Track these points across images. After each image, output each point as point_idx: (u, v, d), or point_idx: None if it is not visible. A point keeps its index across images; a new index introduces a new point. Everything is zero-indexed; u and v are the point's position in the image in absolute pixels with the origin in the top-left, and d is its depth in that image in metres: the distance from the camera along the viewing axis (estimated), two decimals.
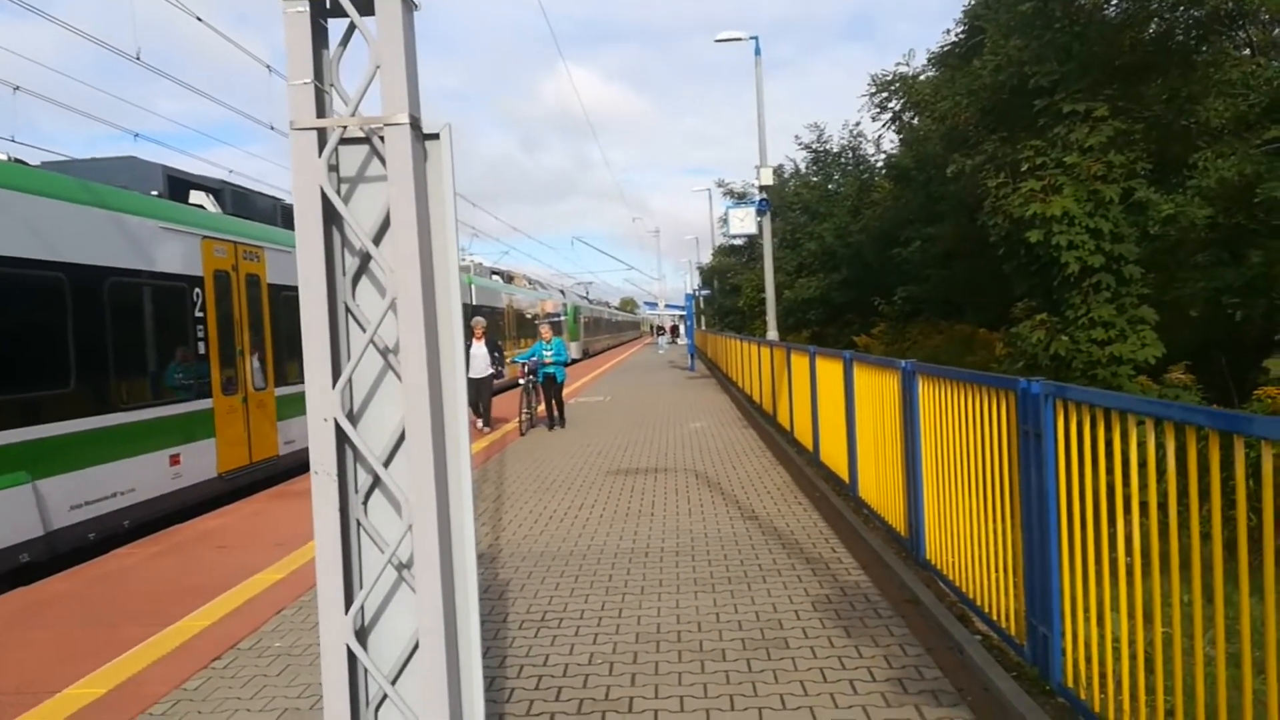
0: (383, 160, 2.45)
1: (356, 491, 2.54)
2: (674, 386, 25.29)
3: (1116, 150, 9.02)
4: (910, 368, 6.22)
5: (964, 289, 15.69)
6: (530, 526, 8.04)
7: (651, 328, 56.81)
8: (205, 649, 5.21)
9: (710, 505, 8.66)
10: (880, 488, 7.15)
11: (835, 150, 27.28)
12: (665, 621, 5.30)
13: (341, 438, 2.44)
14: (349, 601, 2.43)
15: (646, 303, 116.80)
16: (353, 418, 2.55)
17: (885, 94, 18.33)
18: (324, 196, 2.39)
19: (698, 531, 7.57)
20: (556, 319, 45.23)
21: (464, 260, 35.79)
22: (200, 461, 10.33)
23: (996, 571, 4.64)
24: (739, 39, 20.23)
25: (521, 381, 15.58)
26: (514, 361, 16.10)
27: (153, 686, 4.67)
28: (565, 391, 17.33)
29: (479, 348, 15.37)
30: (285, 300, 13.00)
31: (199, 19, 13.46)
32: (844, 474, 8.57)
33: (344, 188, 2.54)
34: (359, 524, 2.54)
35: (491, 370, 15.28)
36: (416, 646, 2.46)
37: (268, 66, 16.81)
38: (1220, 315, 8.77)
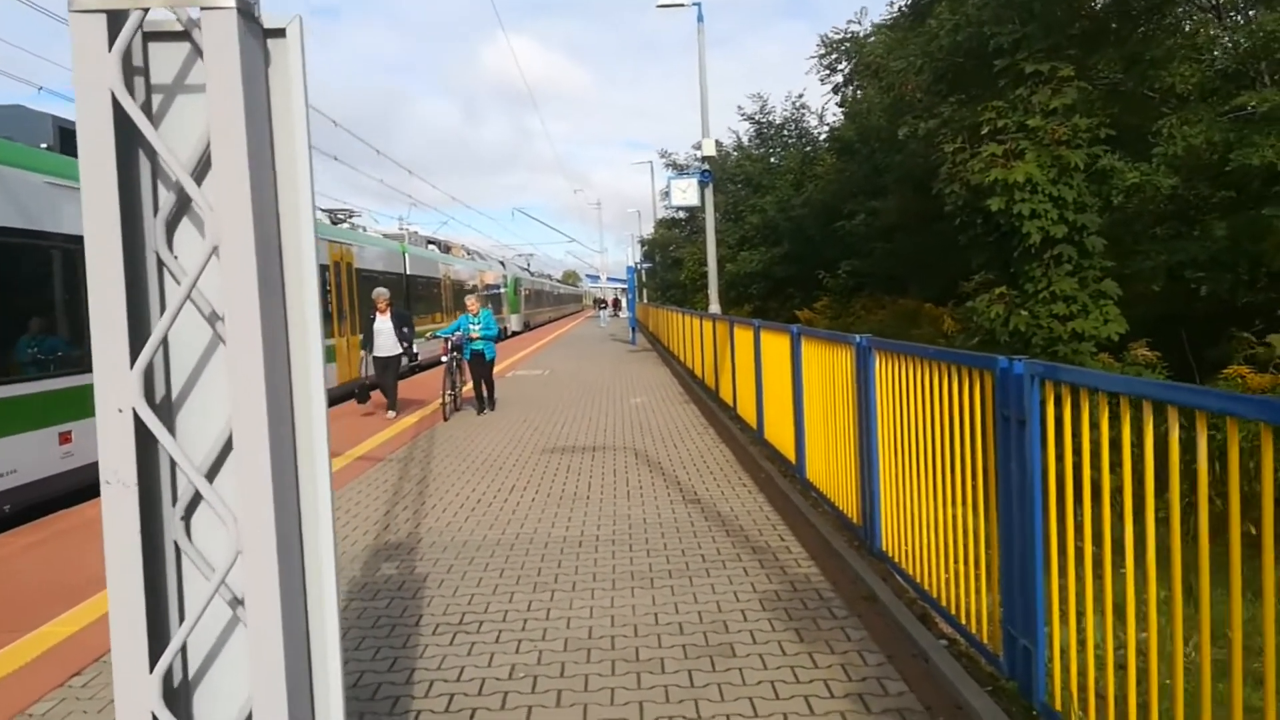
0: None
1: (175, 503, 1.92)
2: (615, 360, 24.72)
3: (1080, 114, 8.60)
4: (865, 343, 5.73)
5: (908, 263, 15.35)
6: (454, 512, 7.42)
7: (594, 301, 55.79)
8: (66, 661, 4.52)
9: (650, 487, 8.13)
10: (830, 470, 6.68)
11: (778, 122, 26.77)
12: (598, 624, 4.75)
13: (147, 434, 1.81)
14: (157, 654, 1.81)
15: (588, 275, 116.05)
16: (170, 406, 1.92)
17: (835, 54, 17.77)
18: (116, 105, 1.74)
19: (636, 517, 7.03)
20: (496, 290, 44.14)
21: (400, 229, 34.68)
22: (95, 439, 9.47)
23: (964, 568, 4.18)
24: (681, 4, 19.57)
25: (444, 359, 13.77)
26: (437, 336, 14.45)
27: None
28: (499, 366, 16.46)
29: (383, 322, 13.67)
30: None
31: None
32: (790, 454, 8.11)
33: (158, 99, 1.89)
34: (177, 547, 1.92)
35: (400, 350, 13.59)
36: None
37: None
38: (1177, 290, 8.48)
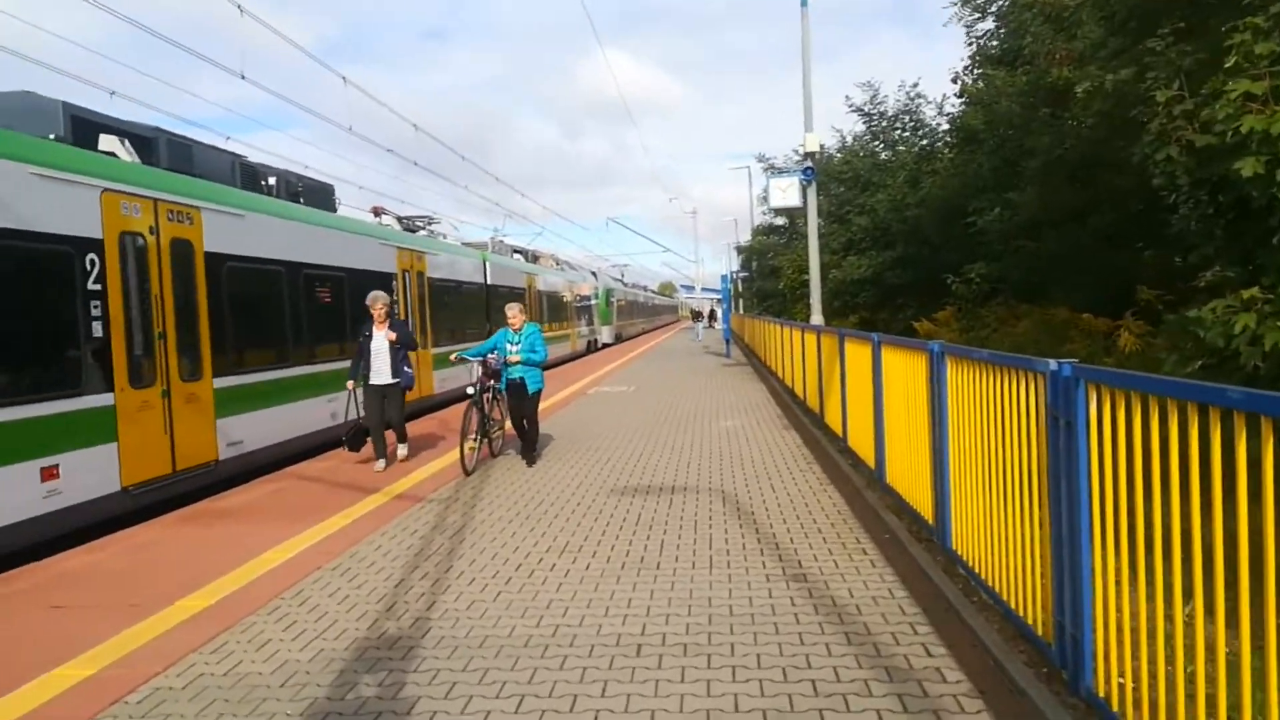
0: None
1: None
2: (707, 375, 22.88)
3: None
4: (1069, 372, 3.77)
5: (1054, 265, 13.05)
6: (481, 586, 5.70)
7: (691, 313, 53.57)
8: None
9: (739, 551, 6.27)
10: (991, 546, 4.71)
11: (891, 113, 24.25)
12: None
13: None
14: None
15: (683, 286, 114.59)
16: None
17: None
18: None
19: (719, 603, 5.19)
20: (587, 302, 42.62)
21: (492, 240, 33.25)
22: (91, 474, 8.12)
23: None
24: None
25: (470, 390, 10.09)
26: (465, 357, 10.47)
27: None
28: (558, 394, 14.33)
29: (380, 340, 10.12)
30: (231, 273, 10.78)
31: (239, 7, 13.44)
32: (926, 509, 6.14)
33: None
34: None
35: (395, 378, 10.18)
36: None
37: (303, 50, 14.64)
38: None
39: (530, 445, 10.36)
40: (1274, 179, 5.55)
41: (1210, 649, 2.68)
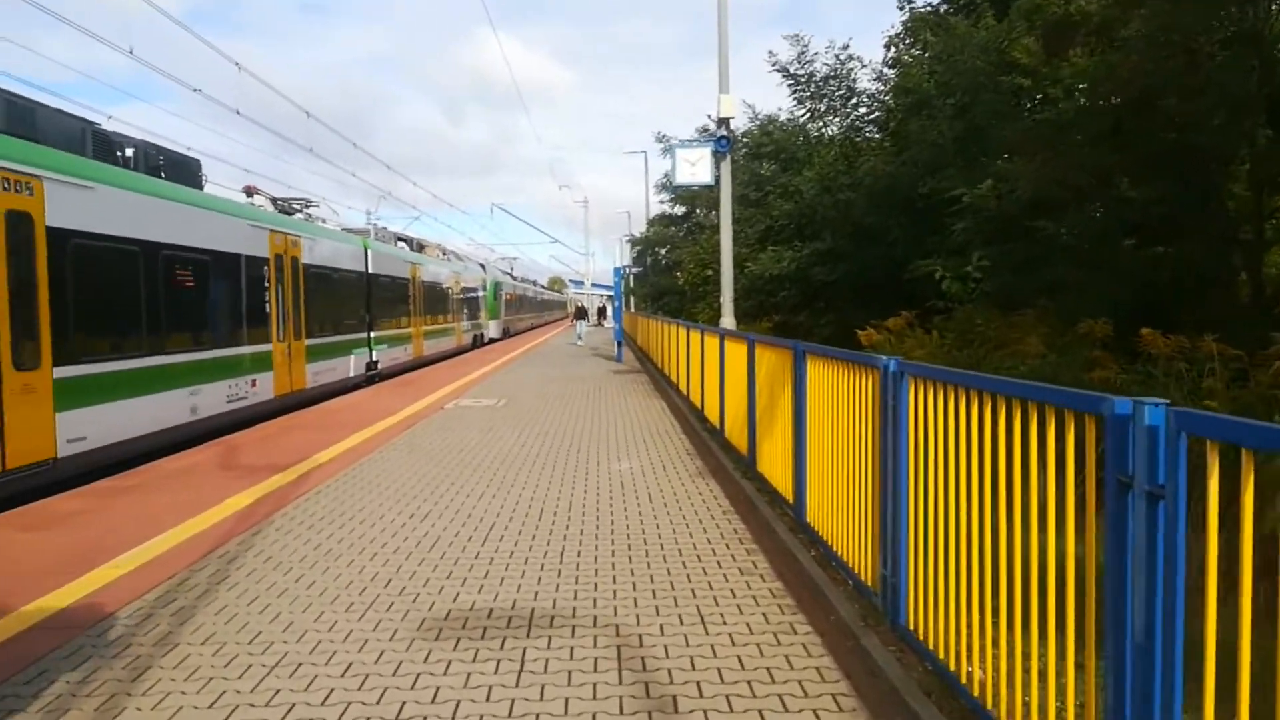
0: None
1: None
2: (595, 385, 19.32)
3: None
4: None
5: (1063, 260, 9.80)
6: None
7: (576, 310, 50.01)
8: None
9: None
10: None
11: (820, 77, 20.46)
12: None
13: None
14: None
15: (572, 281, 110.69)
16: None
17: None
18: None
19: None
20: (474, 294, 39.19)
21: (368, 224, 30.81)
22: None
23: None
24: None
25: None
26: None
27: None
28: (375, 426, 10.37)
29: None
30: (78, 251, 9.73)
31: None
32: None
33: None
34: None
35: None
36: None
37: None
38: None
39: None
40: None
41: None
